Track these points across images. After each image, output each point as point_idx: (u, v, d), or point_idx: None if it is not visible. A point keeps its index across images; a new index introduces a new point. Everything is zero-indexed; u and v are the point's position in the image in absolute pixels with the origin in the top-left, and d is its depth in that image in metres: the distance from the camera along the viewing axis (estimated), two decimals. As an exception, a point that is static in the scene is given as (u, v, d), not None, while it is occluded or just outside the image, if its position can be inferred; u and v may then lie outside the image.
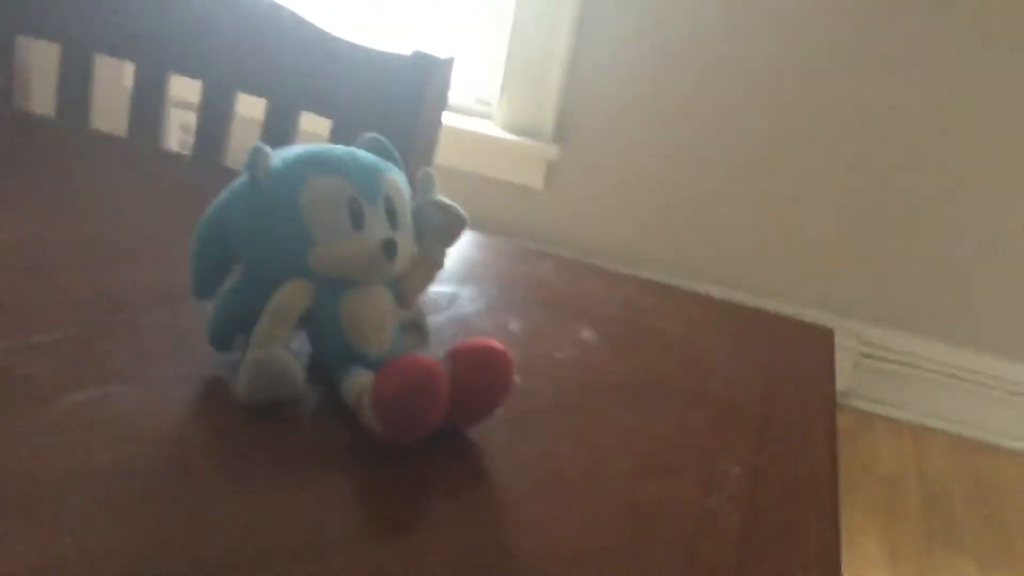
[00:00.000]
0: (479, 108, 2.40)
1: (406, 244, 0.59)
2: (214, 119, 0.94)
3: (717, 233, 2.29)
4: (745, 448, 0.60)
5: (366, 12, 2.35)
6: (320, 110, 0.89)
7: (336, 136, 0.88)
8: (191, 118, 1.01)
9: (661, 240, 2.29)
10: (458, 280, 0.74)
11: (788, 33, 2.10)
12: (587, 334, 0.70)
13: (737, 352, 0.71)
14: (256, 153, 0.57)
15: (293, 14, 0.89)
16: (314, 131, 0.92)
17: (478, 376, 0.55)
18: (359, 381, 0.55)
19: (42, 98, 0.96)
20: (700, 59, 2.21)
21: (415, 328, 0.62)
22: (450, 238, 0.62)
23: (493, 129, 2.35)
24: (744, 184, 2.27)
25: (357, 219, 0.57)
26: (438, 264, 0.62)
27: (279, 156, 0.59)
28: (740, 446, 0.60)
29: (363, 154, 0.60)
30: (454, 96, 1.94)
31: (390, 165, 0.61)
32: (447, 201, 0.63)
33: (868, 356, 2.26)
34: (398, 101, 0.84)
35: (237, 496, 0.48)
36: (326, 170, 0.57)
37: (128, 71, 0.98)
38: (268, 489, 0.49)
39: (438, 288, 0.72)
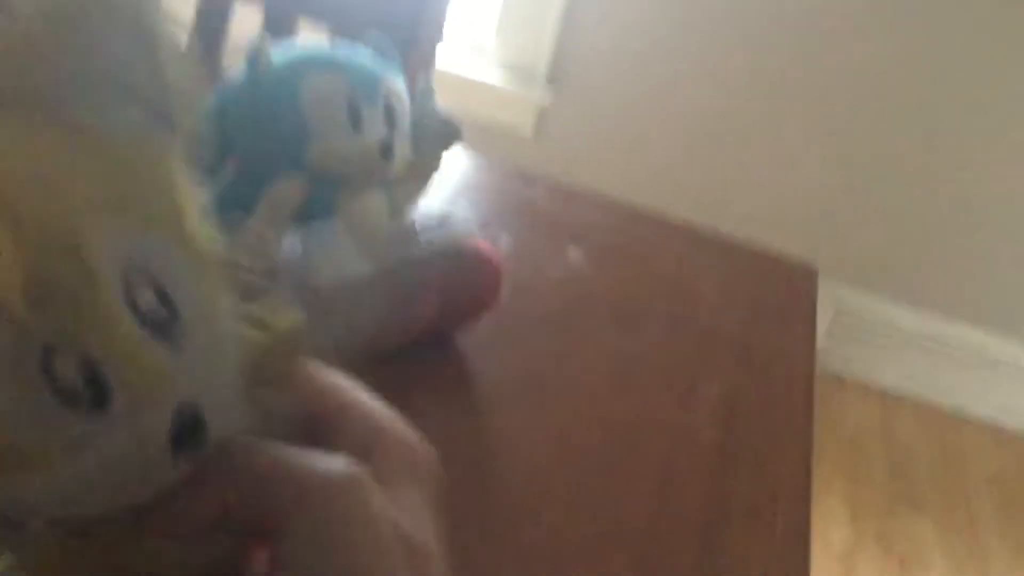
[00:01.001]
0: (471, 48, 2.38)
1: (402, 147, 0.59)
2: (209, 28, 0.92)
3: (702, 188, 2.29)
4: (725, 372, 0.61)
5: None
6: (319, 16, 0.87)
7: (333, 40, 0.87)
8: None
9: (649, 192, 2.29)
10: (450, 198, 0.74)
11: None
12: (576, 256, 0.70)
13: (723, 284, 0.71)
14: (257, 47, 0.56)
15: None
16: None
17: (467, 279, 0.55)
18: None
19: None
20: (700, 7, 2.19)
21: (405, 239, 0.62)
22: (445, 146, 0.62)
23: (486, 70, 2.32)
24: (735, 139, 2.27)
25: (355, 118, 0.57)
26: (434, 167, 0.62)
27: (280, 52, 0.58)
28: (720, 370, 0.61)
29: (364, 56, 0.59)
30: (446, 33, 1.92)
31: (391, 68, 0.61)
32: (444, 110, 0.63)
33: (841, 317, 2.29)
34: (400, 5, 0.83)
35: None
36: (327, 68, 0.57)
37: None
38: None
39: (430, 204, 0.72)
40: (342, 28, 0.89)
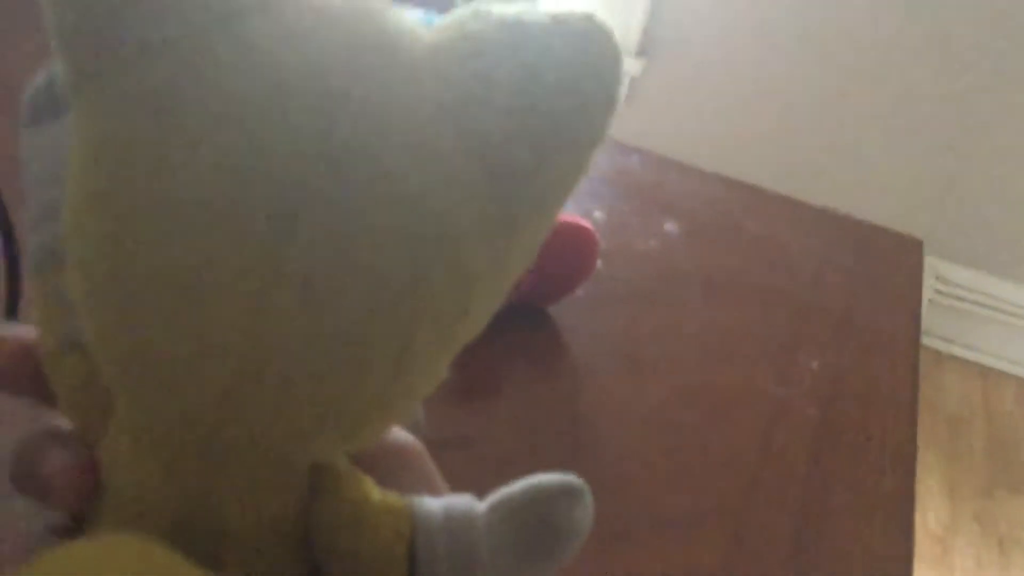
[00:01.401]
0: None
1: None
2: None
3: (796, 159, 2.24)
4: (825, 346, 0.60)
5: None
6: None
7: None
8: None
9: (738, 163, 2.25)
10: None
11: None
12: (670, 227, 0.69)
13: (822, 255, 0.70)
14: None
15: None
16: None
17: (563, 251, 0.55)
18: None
19: None
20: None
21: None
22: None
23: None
24: (831, 110, 2.21)
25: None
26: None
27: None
28: (820, 344, 0.60)
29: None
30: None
31: None
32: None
33: (942, 294, 2.21)
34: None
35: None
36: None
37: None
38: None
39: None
40: None
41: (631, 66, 2.28)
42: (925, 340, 2.25)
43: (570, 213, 0.66)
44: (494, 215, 0.21)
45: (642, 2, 2.25)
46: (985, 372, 2.23)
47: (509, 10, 0.23)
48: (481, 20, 0.22)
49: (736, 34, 2.26)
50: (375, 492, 0.26)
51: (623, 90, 0.24)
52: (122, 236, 0.21)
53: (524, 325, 0.55)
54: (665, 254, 0.66)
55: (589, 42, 0.23)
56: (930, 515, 1.78)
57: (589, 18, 0.23)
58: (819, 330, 0.62)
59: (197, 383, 0.22)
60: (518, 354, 0.54)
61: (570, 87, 0.22)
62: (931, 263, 2.19)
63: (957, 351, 2.26)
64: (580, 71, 0.22)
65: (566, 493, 0.28)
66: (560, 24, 0.23)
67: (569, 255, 0.55)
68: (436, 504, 0.27)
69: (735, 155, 2.30)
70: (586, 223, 0.56)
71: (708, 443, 0.50)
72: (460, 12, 0.23)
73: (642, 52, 2.29)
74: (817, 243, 0.71)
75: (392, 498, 0.26)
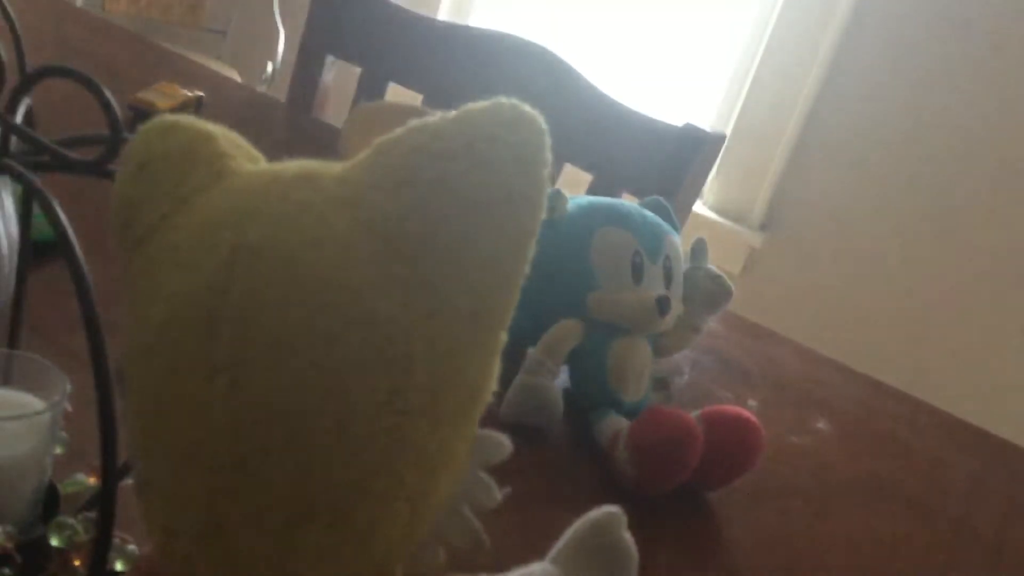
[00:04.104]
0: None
1: (677, 304, 0.62)
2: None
3: (911, 356, 2.20)
4: (978, 570, 0.59)
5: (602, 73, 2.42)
6: (584, 164, 0.93)
7: (595, 192, 0.92)
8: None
9: (855, 350, 2.22)
10: (699, 347, 0.76)
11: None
12: (822, 425, 0.70)
13: (976, 475, 0.69)
14: (556, 195, 0.62)
15: (574, 71, 0.94)
16: (575, 180, 0.97)
17: (729, 443, 0.56)
18: (614, 424, 0.58)
19: (335, 112, 1.05)
20: (927, 173, 2.15)
21: (663, 384, 0.65)
22: (715, 307, 0.64)
23: (700, 208, 2.36)
24: (964, 311, 2.18)
25: (638, 272, 0.60)
26: (697, 330, 0.64)
27: (574, 201, 0.63)
28: (973, 567, 0.59)
29: (650, 214, 0.63)
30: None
31: (671, 228, 0.64)
32: (717, 271, 0.65)
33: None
34: (662, 168, 0.88)
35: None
36: (618, 222, 0.61)
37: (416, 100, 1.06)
38: (507, 510, 0.52)
39: (682, 352, 0.74)
40: (602, 179, 0.94)
41: (753, 239, 2.32)
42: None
43: (729, 404, 0.67)
44: (400, 275, 0.24)
45: (769, 177, 2.30)
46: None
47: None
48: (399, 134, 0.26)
49: (857, 220, 2.27)
50: None
51: (542, 167, 0.27)
52: (131, 370, 0.26)
53: (683, 509, 0.56)
54: (818, 452, 0.66)
55: (472, 116, 0.26)
56: None
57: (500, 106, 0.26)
58: (971, 555, 0.61)
59: (184, 494, 0.25)
60: (675, 538, 0.54)
61: (456, 157, 0.25)
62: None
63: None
64: (465, 141, 0.25)
65: (611, 517, 0.33)
66: (459, 112, 0.26)
67: (735, 445, 0.56)
68: None
69: (850, 337, 2.28)
70: (752, 416, 0.57)
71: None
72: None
73: (764, 226, 2.32)
74: (970, 461, 0.71)
75: None
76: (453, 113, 0.26)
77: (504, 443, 0.29)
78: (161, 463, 0.26)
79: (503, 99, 0.27)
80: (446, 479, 0.27)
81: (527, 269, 0.27)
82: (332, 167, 0.27)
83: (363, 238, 0.25)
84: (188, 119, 0.29)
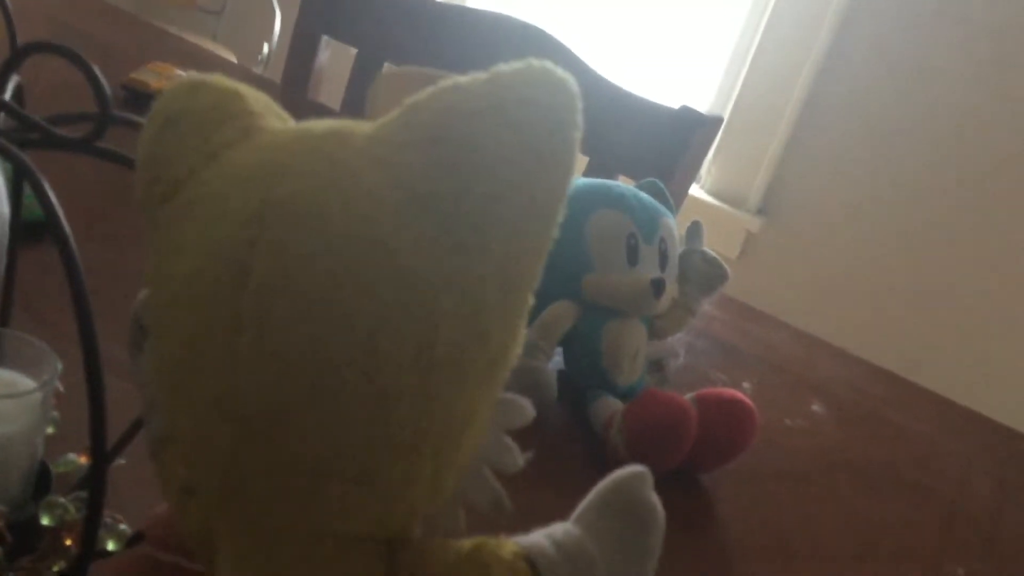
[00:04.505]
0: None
1: (671, 286, 0.61)
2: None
3: (905, 341, 2.21)
4: (971, 553, 0.59)
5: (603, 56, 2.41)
6: (580, 146, 0.92)
7: (591, 174, 0.92)
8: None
9: (850, 334, 2.23)
10: (695, 330, 0.76)
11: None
12: (816, 407, 0.70)
13: (968, 457, 0.69)
14: (551, 177, 0.61)
15: (571, 53, 0.94)
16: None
17: (724, 425, 0.56)
18: (609, 406, 0.58)
19: (330, 94, 1.05)
20: (924, 158, 2.14)
21: (658, 367, 0.65)
22: (711, 289, 0.64)
23: (697, 191, 2.35)
24: (958, 295, 2.18)
25: (633, 254, 0.60)
26: (692, 312, 0.64)
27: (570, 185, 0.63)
28: (966, 550, 0.59)
29: (645, 196, 0.63)
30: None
31: (666, 210, 0.64)
32: (713, 254, 0.65)
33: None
34: (659, 150, 0.87)
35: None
36: (614, 204, 0.61)
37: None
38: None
39: (677, 335, 0.74)
40: (598, 162, 0.94)
41: (750, 223, 2.31)
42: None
43: (724, 386, 0.67)
44: (430, 232, 0.24)
45: (767, 162, 2.30)
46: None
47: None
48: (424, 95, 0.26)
49: (854, 207, 2.27)
50: (468, 542, 0.29)
51: (575, 134, 0.27)
52: (154, 323, 0.26)
53: (676, 491, 0.56)
54: (812, 435, 0.66)
55: (505, 79, 0.26)
56: None
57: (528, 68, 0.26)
58: (965, 535, 0.61)
59: (208, 442, 0.25)
60: (668, 520, 0.55)
61: (488, 116, 0.25)
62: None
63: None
64: (496, 101, 0.25)
65: (636, 476, 0.32)
66: (491, 73, 0.26)
67: (729, 428, 0.56)
68: (540, 539, 0.30)
69: (846, 322, 2.28)
70: (746, 399, 0.57)
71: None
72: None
73: (761, 211, 2.32)
74: (962, 443, 0.71)
75: (495, 541, 0.29)
76: (484, 74, 0.26)
77: (527, 407, 0.29)
78: (184, 416, 0.26)
79: (534, 61, 0.26)
80: (469, 440, 0.27)
81: (556, 232, 0.27)
82: (362, 125, 0.27)
83: (393, 195, 0.25)
84: (216, 77, 0.29)
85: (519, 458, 0.29)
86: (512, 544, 0.30)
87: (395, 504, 0.26)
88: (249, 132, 0.28)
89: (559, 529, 0.33)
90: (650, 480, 0.32)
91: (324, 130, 0.27)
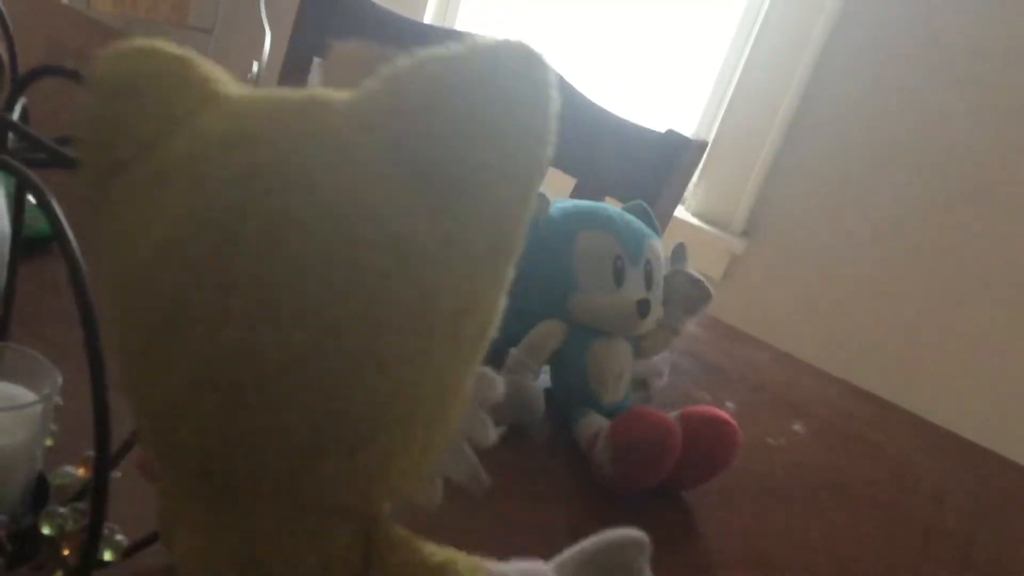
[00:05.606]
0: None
1: (656, 307, 0.63)
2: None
3: (885, 361, 2.22)
4: (948, 569, 0.61)
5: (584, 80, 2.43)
6: (567, 168, 0.95)
7: (579, 196, 0.94)
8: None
9: (829, 354, 2.24)
10: (679, 350, 0.77)
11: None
12: (797, 427, 0.71)
13: (945, 475, 0.71)
14: (540, 198, 0.63)
15: (561, 78, 0.95)
16: (558, 184, 0.98)
17: (707, 443, 0.57)
18: (594, 424, 0.59)
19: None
20: (908, 181, 2.17)
21: (643, 385, 0.66)
22: (694, 310, 0.66)
23: (682, 213, 2.37)
24: (940, 317, 2.20)
25: (619, 276, 0.61)
26: (677, 332, 0.66)
27: (556, 205, 0.64)
28: (943, 566, 0.61)
29: (632, 218, 0.64)
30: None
31: (652, 232, 0.65)
32: (697, 275, 0.67)
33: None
34: (645, 173, 0.89)
35: (458, 506, 0.53)
36: (600, 226, 0.62)
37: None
38: (487, 506, 0.53)
39: (662, 354, 0.75)
40: (585, 184, 0.95)
41: (734, 245, 2.33)
42: None
43: (707, 404, 0.69)
44: (424, 201, 0.24)
45: (751, 185, 2.32)
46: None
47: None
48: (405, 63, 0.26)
49: (838, 229, 2.29)
50: (440, 555, 0.28)
51: (553, 98, 0.27)
52: (116, 298, 0.26)
53: (657, 505, 0.57)
54: (794, 454, 0.68)
55: (485, 50, 0.26)
56: None
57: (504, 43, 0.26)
58: (942, 552, 0.62)
59: (189, 411, 0.24)
60: (651, 536, 0.56)
61: (478, 88, 0.25)
62: None
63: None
64: (486, 73, 0.25)
65: (633, 543, 0.30)
66: (469, 46, 0.26)
67: (712, 445, 0.57)
68: (510, 568, 0.29)
69: (827, 343, 2.30)
70: (729, 417, 0.58)
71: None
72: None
73: (745, 233, 2.34)
74: (941, 464, 0.72)
75: (466, 562, 0.28)
76: (465, 46, 0.26)
77: (497, 380, 0.29)
78: (167, 388, 0.25)
79: (510, 38, 0.26)
80: (455, 411, 0.27)
81: (532, 208, 0.27)
82: (338, 94, 0.26)
83: (384, 163, 0.25)
84: (162, 42, 0.28)
85: (492, 433, 0.29)
86: (483, 573, 0.30)
87: (386, 476, 0.26)
88: (210, 97, 0.27)
89: (536, 567, 0.31)
90: (648, 551, 0.31)
91: (303, 96, 0.26)
